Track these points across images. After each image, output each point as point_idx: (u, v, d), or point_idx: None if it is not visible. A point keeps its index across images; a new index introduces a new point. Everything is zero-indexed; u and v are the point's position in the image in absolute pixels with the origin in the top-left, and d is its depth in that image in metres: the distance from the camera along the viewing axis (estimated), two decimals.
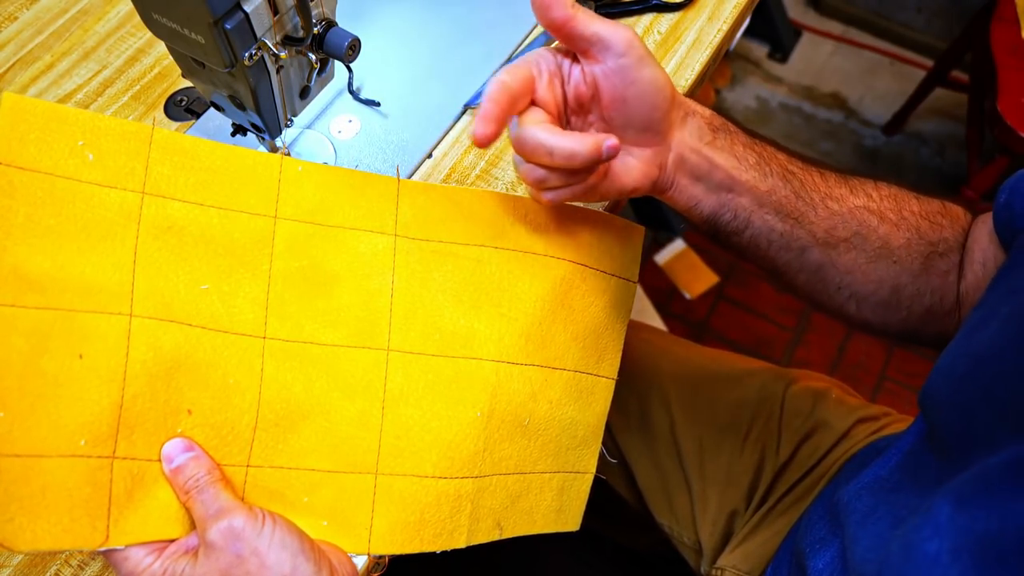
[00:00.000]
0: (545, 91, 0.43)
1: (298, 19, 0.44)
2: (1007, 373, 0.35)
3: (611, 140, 0.40)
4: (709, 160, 0.46)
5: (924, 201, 0.50)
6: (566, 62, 0.43)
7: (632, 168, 0.45)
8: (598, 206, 0.56)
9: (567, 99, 0.44)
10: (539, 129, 0.41)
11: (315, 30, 0.46)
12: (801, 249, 0.48)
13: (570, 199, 0.45)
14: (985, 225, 0.48)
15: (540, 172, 0.43)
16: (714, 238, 0.50)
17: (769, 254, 0.49)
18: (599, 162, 0.41)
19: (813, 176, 0.48)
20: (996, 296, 0.41)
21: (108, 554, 0.39)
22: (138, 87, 0.61)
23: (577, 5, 0.41)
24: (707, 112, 0.47)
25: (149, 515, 0.39)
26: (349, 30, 0.47)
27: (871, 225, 0.48)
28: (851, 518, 0.47)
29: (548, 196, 0.45)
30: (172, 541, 0.40)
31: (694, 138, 0.45)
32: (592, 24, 0.40)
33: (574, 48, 0.42)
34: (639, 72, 0.41)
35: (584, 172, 0.43)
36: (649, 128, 0.44)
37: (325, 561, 0.40)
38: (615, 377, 0.53)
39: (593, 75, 0.42)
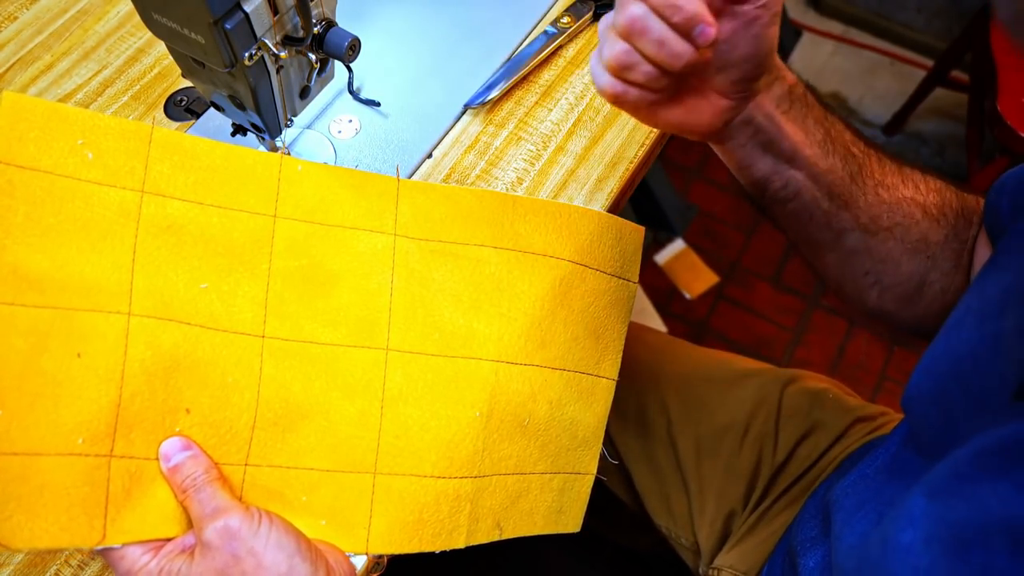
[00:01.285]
0: None
1: (298, 19, 0.44)
2: (985, 371, 0.36)
3: (709, 28, 0.36)
4: (779, 128, 0.45)
5: (964, 198, 0.50)
6: None
7: (701, 111, 0.43)
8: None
9: None
10: None
11: (315, 30, 0.46)
12: (841, 231, 0.48)
13: (637, 105, 0.42)
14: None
15: (632, 57, 0.39)
16: (757, 200, 0.50)
17: (808, 228, 0.49)
18: (695, 47, 0.37)
19: (871, 160, 0.48)
20: (972, 294, 0.42)
21: (105, 553, 0.39)
22: (138, 87, 0.61)
23: None
24: (793, 79, 0.45)
25: (146, 514, 0.39)
26: (349, 30, 0.47)
27: (915, 218, 0.48)
28: (837, 516, 0.47)
29: (620, 88, 0.40)
30: (169, 540, 0.40)
31: (772, 104, 0.45)
32: None
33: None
34: (768, 28, 0.39)
35: (669, 75, 0.39)
36: (740, 83, 0.42)
37: (322, 561, 0.40)
38: (615, 378, 0.53)
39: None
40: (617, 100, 0.42)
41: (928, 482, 0.34)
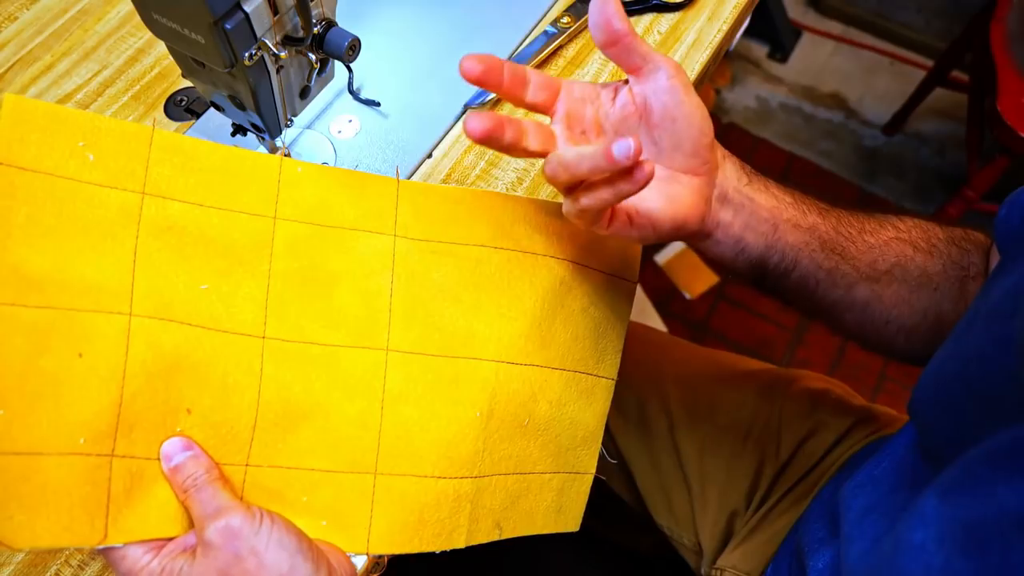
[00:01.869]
0: (576, 105, 0.43)
1: (298, 19, 0.44)
2: (992, 373, 0.36)
3: (628, 141, 0.35)
4: (751, 199, 0.46)
5: (947, 229, 0.51)
6: (604, 91, 0.44)
7: (682, 197, 0.43)
8: None
9: (603, 124, 0.44)
10: (557, 152, 0.40)
11: (315, 30, 0.46)
12: (848, 286, 0.48)
13: (597, 218, 0.41)
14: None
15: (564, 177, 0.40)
16: (760, 283, 0.49)
17: (817, 294, 0.49)
18: (616, 164, 0.36)
19: (843, 213, 0.49)
20: (980, 299, 0.42)
21: (106, 552, 0.39)
22: (138, 87, 0.61)
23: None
24: (737, 159, 0.47)
25: (147, 513, 0.39)
26: (349, 30, 0.47)
27: (908, 255, 0.48)
28: (846, 516, 0.47)
29: (585, 201, 0.40)
30: (170, 540, 0.40)
31: (733, 179, 0.46)
32: (643, 45, 0.41)
33: (625, 64, 0.42)
34: (688, 96, 0.42)
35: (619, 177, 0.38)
36: (698, 153, 0.43)
37: (323, 560, 0.40)
38: (615, 378, 0.53)
39: (643, 95, 0.42)
40: (590, 211, 0.40)
41: (939, 484, 0.34)
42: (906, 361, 0.53)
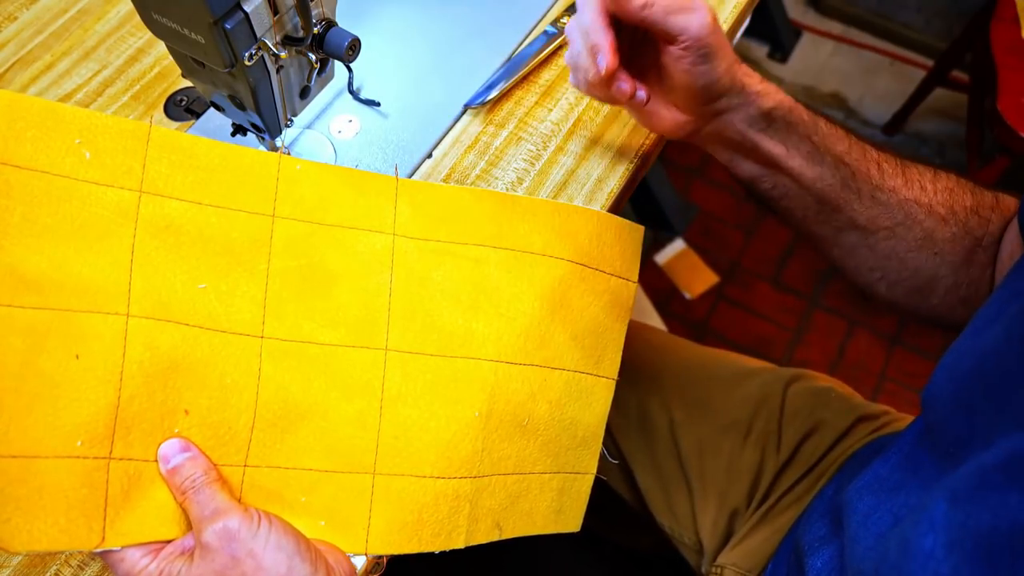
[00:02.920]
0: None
1: (298, 19, 0.44)
2: (1010, 371, 0.35)
3: (603, 58, 0.44)
4: (756, 144, 0.47)
5: (979, 195, 0.50)
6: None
7: (662, 119, 0.49)
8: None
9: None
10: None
11: (315, 30, 0.46)
12: (838, 229, 0.49)
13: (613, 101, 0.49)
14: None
15: (571, 61, 0.48)
16: (752, 195, 0.51)
17: (804, 224, 0.50)
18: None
19: (869, 167, 0.48)
20: (1004, 294, 0.41)
21: (105, 555, 0.39)
22: (138, 87, 0.61)
23: None
24: (773, 102, 0.48)
25: (145, 516, 0.39)
26: (349, 30, 0.47)
27: (917, 218, 0.48)
28: (852, 518, 0.47)
29: (579, 86, 0.49)
30: (169, 542, 0.40)
31: (744, 124, 0.47)
32: (669, 17, 0.43)
33: (655, 32, 0.45)
34: (696, 66, 0.44)
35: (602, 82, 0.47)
36: (691, 104, 0.47)
37: (322, 561, 0.40)
38: (615, 377, 0.52)
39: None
40: (590, 92, 0.49)
41: (950, 487, 0.34)
42: (886, 308, 0.54)
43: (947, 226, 0.49)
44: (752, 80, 0.47)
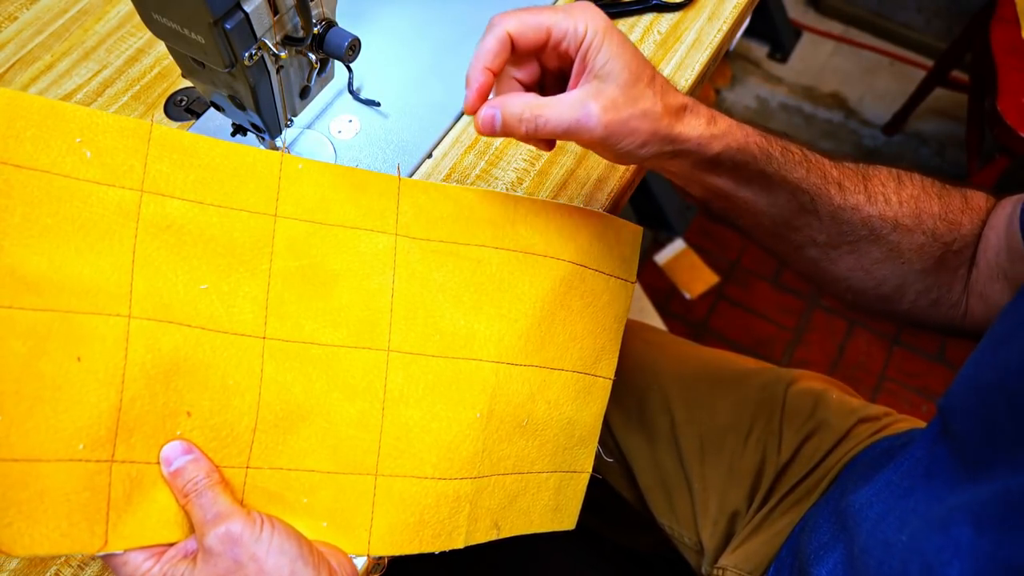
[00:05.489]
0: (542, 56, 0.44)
1: (298, 19, 0.44)
2: None
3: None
4: (702, 179, 0.45)
5: (946, 198, 0.49)
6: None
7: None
8: (603, 198, 0.56)
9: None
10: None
11: (315, 30, 0.46)
12: (799, 246, 0.48)
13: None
14: (1003, 211, 0.48)
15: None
16: (703, 211, 0.49)
17: (762, 241, 0.49)
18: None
19: (829, 189, 0.46)
20: (1019, 307, 0.40)
21: (107, 558, 0.39)
22: (138, 87, 0.61)
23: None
24: (718, 148, 0.43)
25: (148, 519, 0.39)
26: (349, 30, 0.47)
27: (881, 233, 0.47)
28: (862, 526, 0.46)
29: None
30: (171, 545, 0.39)
31: (687, 166, 0.44)
32: (566, 133, 0.40)
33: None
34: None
35: None
36: (628, 163, 0.45)
37: (324, 564, 0.40)
38: (612, 377, 0.53)
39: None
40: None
41: (974, 510, 0.33)
42: (860, 313, 0.53)
43: (913, 236, 0.48)
44: (694, 129, 0.42)
